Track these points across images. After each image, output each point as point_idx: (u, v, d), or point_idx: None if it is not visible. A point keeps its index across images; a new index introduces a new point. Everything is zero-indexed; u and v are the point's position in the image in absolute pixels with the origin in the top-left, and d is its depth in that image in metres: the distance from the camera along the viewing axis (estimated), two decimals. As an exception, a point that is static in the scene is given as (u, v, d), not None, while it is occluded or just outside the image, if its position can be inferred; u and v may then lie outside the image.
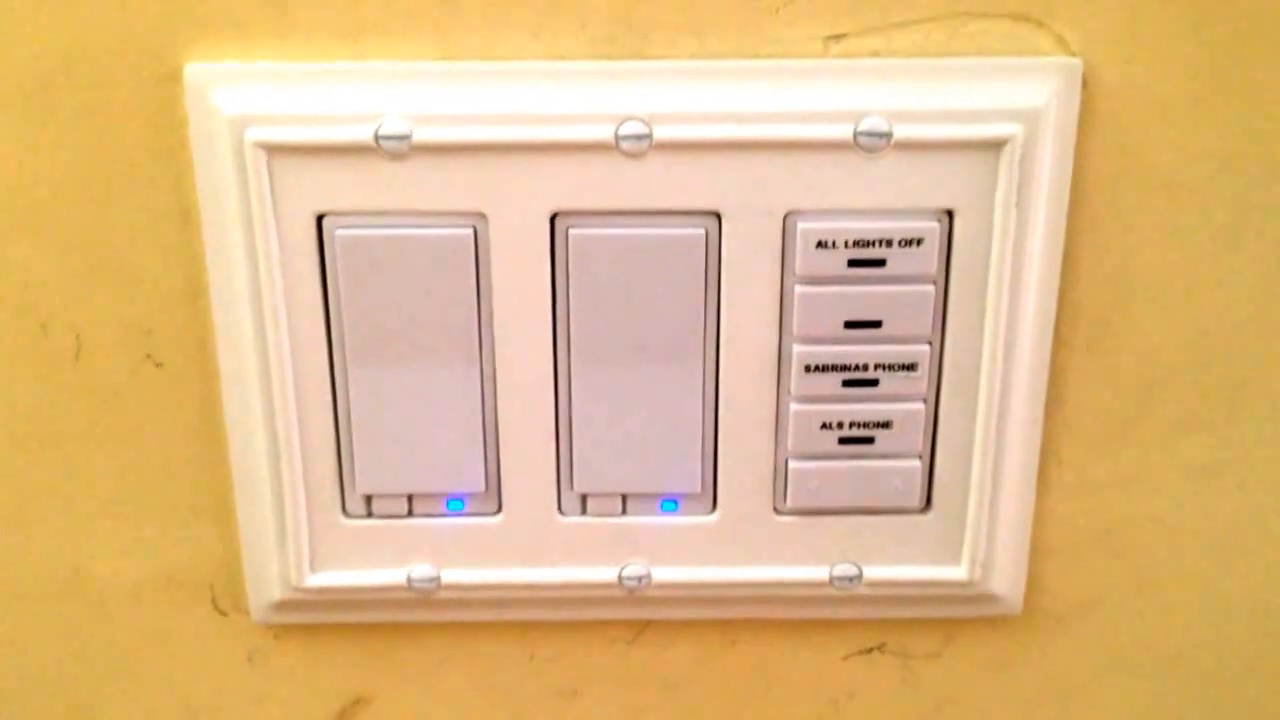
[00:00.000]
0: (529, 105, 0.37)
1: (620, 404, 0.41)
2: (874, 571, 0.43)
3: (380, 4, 0.37)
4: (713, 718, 0.47)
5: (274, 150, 0.37)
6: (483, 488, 0.42)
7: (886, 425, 0.41)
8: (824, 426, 0.41)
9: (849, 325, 0.40)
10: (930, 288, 0.39)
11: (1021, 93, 0.37)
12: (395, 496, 0.42)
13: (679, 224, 0.39)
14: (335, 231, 0.38)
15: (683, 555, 0.43)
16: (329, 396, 0.41)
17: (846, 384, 0.40)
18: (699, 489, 0.42)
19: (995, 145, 0.37)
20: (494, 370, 0.40)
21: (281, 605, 0.44)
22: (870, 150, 0.37)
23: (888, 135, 0.37)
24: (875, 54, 0.38)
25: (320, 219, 0.38)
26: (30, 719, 0.47)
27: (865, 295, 0.39)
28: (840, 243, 0.38)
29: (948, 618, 0.45)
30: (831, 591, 0.43)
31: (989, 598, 0.44)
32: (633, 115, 0.37)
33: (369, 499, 0.42)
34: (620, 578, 0.43)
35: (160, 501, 0.43)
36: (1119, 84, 0.38)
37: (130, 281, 0.40)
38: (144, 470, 0.43)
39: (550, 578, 0.43)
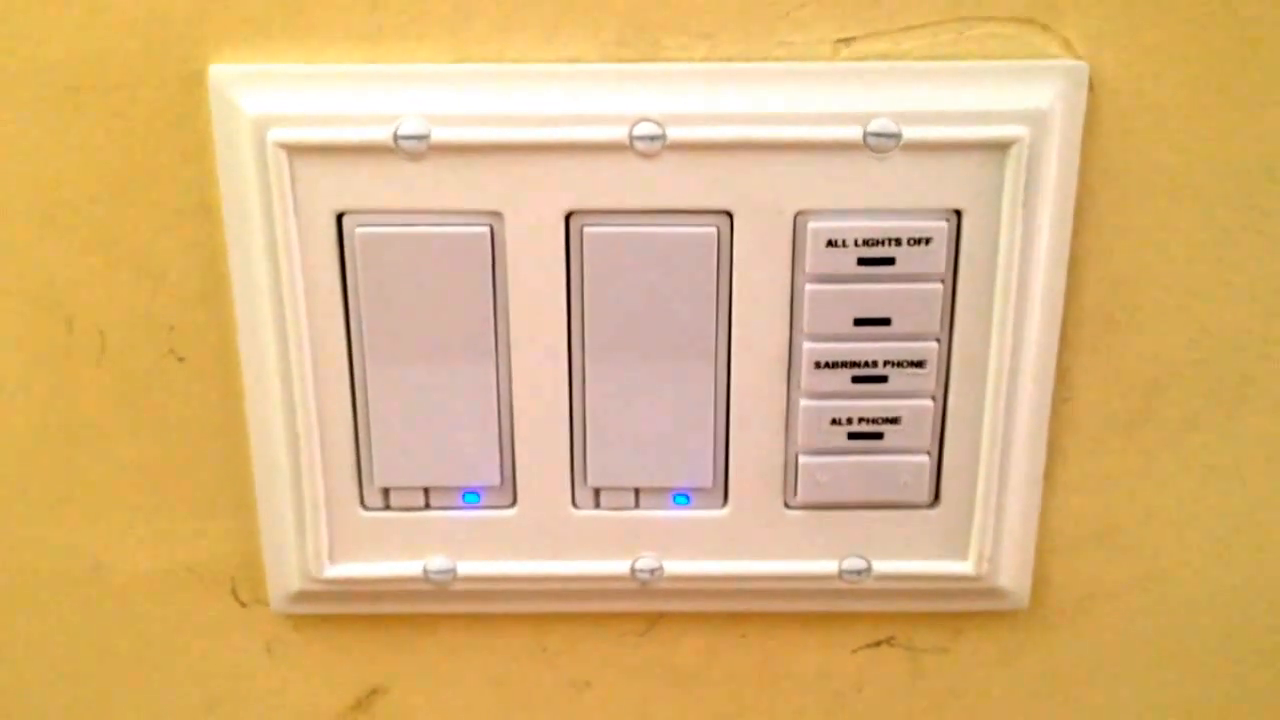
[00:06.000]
0: (544, 107, 0.38)
1: (633, 399, 0.41)
2: (882, 565, 0.44)
3: (398, 8, 0.38)
4: (723, 709, 0.48)
5: (295, 150, 0.38)
6: (498, 481, 0.43)
7: (895, 421, 0.42)
8: (834, 422, 0.42)
9: (858, 323, 0.40)
10: (938, 286, 0.40)
11: (1028, 95, 0.38)
12: (412, 489, 0.43)
13: (691, 223, 0.39)
14: (355, 230, 0.39)
15: (694, 549, 0.44)
16: (348, 391, 0.41)
17: (856, 380, 0.41)
18: (710, 483, 0.43)
19: (1002, 146, 0.38)
20: (509, 366, 0.41)
21: (300, 596, 0.45)
22: (879, 151, 0.38)
23: (896, 136, 0.38)
24: (884, 57, 0.38)
25: (340, 217, 0.39)
26: (51, 708, 0.48)
27: (874, 293, 0.40)
28: (850, 242, 0.39)
29: (956, 611, 0.46)
30: (840, 585, 0.44)
31: (996, 592, 0.44)
32: (646, 116, 0.38)
33: (386, 492, 0.43)
34: (633, 570, 0.44)
35: (182, 494, 0.44)
36: (1124, 87, 0.38)
37: (154, 278, 0.41)
38: (166, 463, 0.44)
39: (563, 570, 0.44)
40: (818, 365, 0.41)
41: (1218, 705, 0.48)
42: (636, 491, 0.43)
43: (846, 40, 0.38)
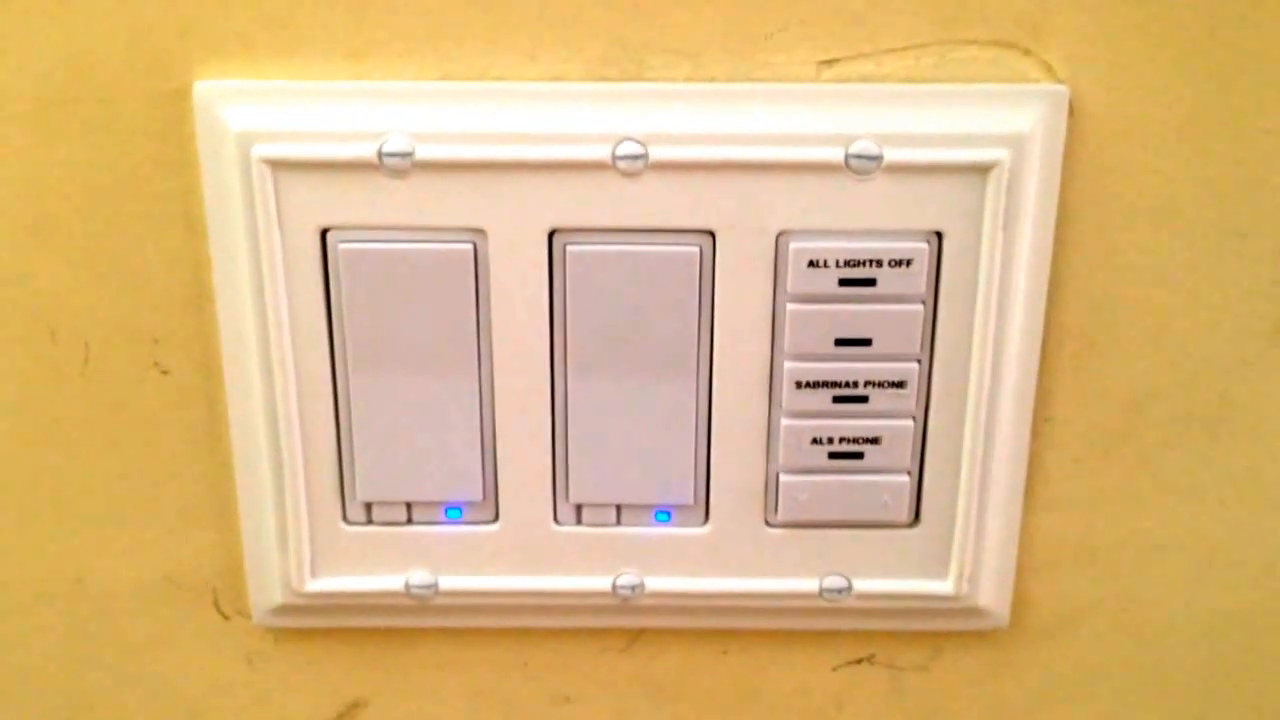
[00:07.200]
0: (528, 125, 0.38)
1: (615, 417, 0.42)
2: (863, 584, 0.44)
3: (384, 25, 0.38)
4: (704, 725, 0.48)
5: (279, 166, 0.38)
6: (480, 497, 0.43)
7: (876, 441, 0.42)
8: (814, 441, 0.42)
9: (839, 343, 0.40)
10: (919, 307, 0.40)
11: (1009, 118, 0.38)
12: (394, 504, 0.43)
13: (674, 242, 0.39)
14: (339, 246, 0.39)
15: (675, 566, 0.44)
16: (331, 405, 0.42)
17: (837, 400, 0.41)
18: (691, 501, 0.43)
19: (983, 169, 0.38)
20: (492, 382, 0.41)
21: (282, 609, 0.45)
22: (861, 173, 0.38)
23: (878, 158, 0.38)
24: (866, 79, 0.38)
25: (324, 233, 0.39)
26: (31, 719, 0.48)
27: (856, 314, 0.40)
28: (831, 262, 0.39)
29: (936, 630, 0.46)
30: (821, 603, 0.44)
31: (976, 611, 0.45)
32: (629, 136, 0.38)
33: (369, 506, 0.43)
34: (614, 587, 0.44)
35: (164, 506, 0.44)
36: (1105, 111, 0.39)
37: (138, 291, 0.41)
38: (149, 475, 0.44)
39: (545, 586, 0.44)
40: (799, 385, 0.41)
41: (1197, 726, 0.48)
42: (618, 508, 0.43)
43: (829, 62, 0.38)
